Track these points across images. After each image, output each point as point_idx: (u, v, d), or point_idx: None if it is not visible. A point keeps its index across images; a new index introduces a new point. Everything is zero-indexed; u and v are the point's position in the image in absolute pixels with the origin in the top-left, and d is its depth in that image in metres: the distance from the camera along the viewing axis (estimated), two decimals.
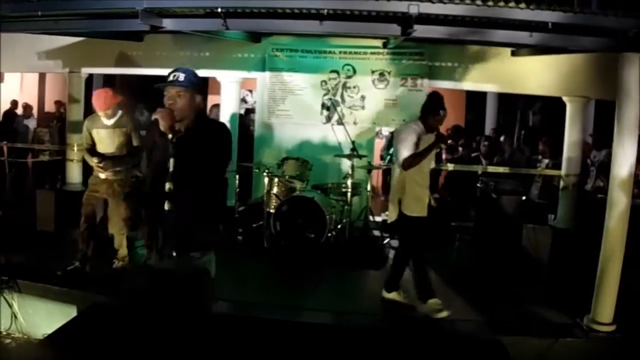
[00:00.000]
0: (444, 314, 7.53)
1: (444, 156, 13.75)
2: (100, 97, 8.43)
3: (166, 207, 4.94)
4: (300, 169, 10.56)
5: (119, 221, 8.73)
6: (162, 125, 4.81)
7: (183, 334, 6.26)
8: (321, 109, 11.51)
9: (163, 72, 11.08)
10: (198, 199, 5.03)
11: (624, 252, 7.34)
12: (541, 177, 12.39)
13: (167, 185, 4.90)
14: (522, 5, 6.48)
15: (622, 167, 7.20)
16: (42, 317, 7.78)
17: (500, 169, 12.05)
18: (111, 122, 8.53)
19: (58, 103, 17.52)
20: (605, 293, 7.37)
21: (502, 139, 15.05)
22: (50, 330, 7.09)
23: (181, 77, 4.98)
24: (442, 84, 11.36)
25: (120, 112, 8.59)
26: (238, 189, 10.77)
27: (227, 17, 7.19)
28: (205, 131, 5.09)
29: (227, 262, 8.94)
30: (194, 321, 5.98)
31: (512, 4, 6.51)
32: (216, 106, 13.46)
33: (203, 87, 5.42)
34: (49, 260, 8.95)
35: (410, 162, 7.39)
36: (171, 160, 4.89)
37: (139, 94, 13.84)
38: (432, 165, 8.02)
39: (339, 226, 10.56)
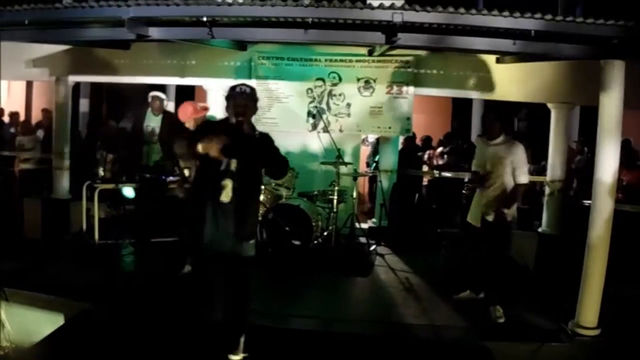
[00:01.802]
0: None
1: (432, 162, 13.78)
2: (182, 110, 8.84)
3: (224, 199, 5.70)
4: (286, 177, 10.58)
5: None
6: (246, 127, 5.86)
7: (171, 341, 6.29)
8: (307, 117, 11.50)
9: (150, 80, 11.19)
10: (254, 195, 6.32)
11: (607, 256, 7.40)
12: None
13: (227, 182, 5.68)
14: (506, 13, 6.54)
15: (605, 172, 7.26)
16: (30, 326, 7.76)
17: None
18: None
19: (45, 111, 17.47)
20: (590, 298, 7.43)
21: None
22: (37, 339, 7.10)
23: (248, 90, 5.99)
24: (428, 91, 11.44)
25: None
26: None
27: (213, 26, 7.23)
28: (264, 137, 6.09)
29: None
30: (178, 329, 6.11)
31: (495, 12, 6.57)
32: None
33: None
34: (35, 269, 8.96)
35: None
36: (233, 161, 5.70)
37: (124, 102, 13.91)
38: (501, 179, 7.93)
39: (325, 233, 10.61)
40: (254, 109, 6.01)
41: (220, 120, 6.05)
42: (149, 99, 10.70)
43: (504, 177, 7.88)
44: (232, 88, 5.97)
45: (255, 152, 5.84)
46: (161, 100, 11.03)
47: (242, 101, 5.85)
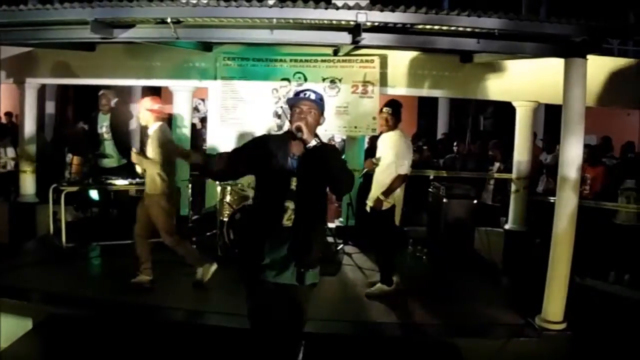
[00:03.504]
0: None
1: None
2: (148, 101, 8.37)
3: (286, 223, 5.16)
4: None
5: (163, 234, 8.38)
6: (305, 134, 4.97)
7: (139, 344, 6.28)
8: (273, 117, 11.49)
9: (116, 82, 11.15)
10: (318, 217, 5.41)
11: (572, 251, 7.49)
12: (494, 180, 12.58)
13: (288, 204, 5.14)
14: (469, 12, 6.60)
15: (569, 168, 7.35)
16: None
17: (452, 173, 12.21)
18: (150, 132, 8.29)
19: (8, 114, 17.38)
20: (556, 292, 7.52)
21: (455, 144, 15.21)
22: (6, 344, 7.06)
23: (312, 95, 5.24)
24: (393, 91, 11.45)
25: (157, 125, 8.27)
26: (191, 198, 10.75)
27: (178, 27, 7.21)
28: (329, 151, 5.26)
29: (181, 271, 8.99)
30: (149, 331, 6.01)
31: (459, 11, 6.63)
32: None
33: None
34: (3, 273, 8.88)
35: None
36: (293, 178, 5.15)
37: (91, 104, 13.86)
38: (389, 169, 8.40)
39: None
40: (317, 117, 5.28)
41: (283, 132, 5.56)
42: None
43: (391, 167, 8.35)
44: (296, 94, 5.37)
45: (316, 167, 5.10)
46: (108, 98, 10.98)
47: (304, 107, 5.22)
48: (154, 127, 8.25)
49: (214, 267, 8.66)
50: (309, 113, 5.20)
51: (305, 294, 5.49)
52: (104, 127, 10.99)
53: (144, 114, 8.27)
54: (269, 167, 5.19)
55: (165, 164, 8.15)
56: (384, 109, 8.55)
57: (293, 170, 5.20)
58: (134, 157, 8.20)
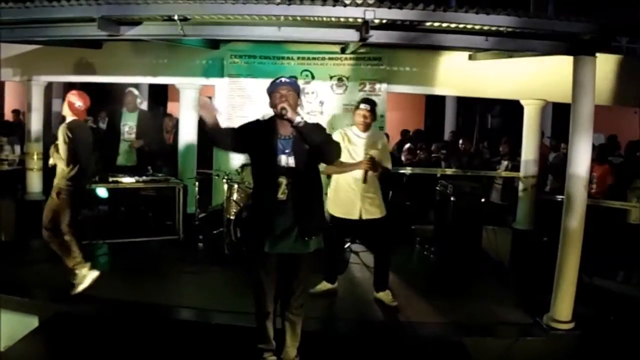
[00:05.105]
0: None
1: (403, 159, 13.76)
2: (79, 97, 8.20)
3: (280, 197, 5.63)
4: None
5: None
6: (290, 112, 5.38)
7: (146, 342, 6.25)
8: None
9: (123, 79, 11.11)
10: (314, 189, 5.89)
11: (580, 250, 7.45)
12: (502, 179, 12.55)
13: (282, 179, 5.63)
14: (478, 9, 6.57)
15: (577, 167, 7.32)
16: (3, 329, 7.67)
17: (460, 172, 12.17)
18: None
19: (15, 112, 17.37)
20: (564, 291, 7.48)
21: (460, 142, 15.16)
22: (11, 342, 7.04)
23: (286, 79, 5.81)
24: (401, 89, 11.44)
25: (69, 120, 8.08)
26: (198, 196, 10.75)
27: (185, 24, 7.19)
28: (315, 125, 5.63)
29: (188, 269, 8.96)
30: (155, 329, 6.03)
31: (467, 9, 6.60)
32: (168, 115, 13.44)
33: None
34: (9, 271, 8.87)
35: None
36: (283, 157, 5.66)
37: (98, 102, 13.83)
38: None
39: None
40: (295, 99, 5.71)
41: (270, 117, 5.87)
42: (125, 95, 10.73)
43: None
44: (272, 81, 5.86)
45: (306, 142, 5.50)
46: (134, 96, 11.00)
47: (280, 92, 5.65)
48: (65, 121, 8.08)
49: (94, 275, 8.18)
50: (288, 95, 5.63)
51: (309, 261, 5.93)
52: (127, 125, 11.05)
53: (64, 106, 8.16)
54: (259, 148, 5.74)
55: (66, 160, 7.96)
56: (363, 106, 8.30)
57: (282, 149, 5.69)
58: (51, 150, 8.13)
